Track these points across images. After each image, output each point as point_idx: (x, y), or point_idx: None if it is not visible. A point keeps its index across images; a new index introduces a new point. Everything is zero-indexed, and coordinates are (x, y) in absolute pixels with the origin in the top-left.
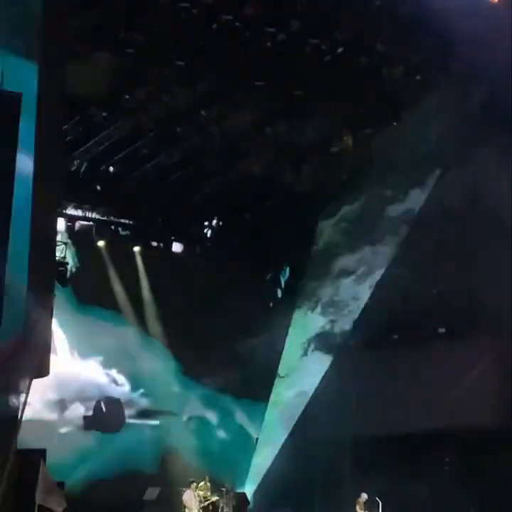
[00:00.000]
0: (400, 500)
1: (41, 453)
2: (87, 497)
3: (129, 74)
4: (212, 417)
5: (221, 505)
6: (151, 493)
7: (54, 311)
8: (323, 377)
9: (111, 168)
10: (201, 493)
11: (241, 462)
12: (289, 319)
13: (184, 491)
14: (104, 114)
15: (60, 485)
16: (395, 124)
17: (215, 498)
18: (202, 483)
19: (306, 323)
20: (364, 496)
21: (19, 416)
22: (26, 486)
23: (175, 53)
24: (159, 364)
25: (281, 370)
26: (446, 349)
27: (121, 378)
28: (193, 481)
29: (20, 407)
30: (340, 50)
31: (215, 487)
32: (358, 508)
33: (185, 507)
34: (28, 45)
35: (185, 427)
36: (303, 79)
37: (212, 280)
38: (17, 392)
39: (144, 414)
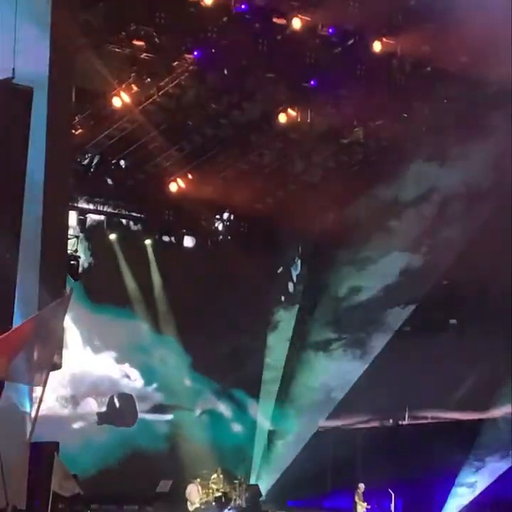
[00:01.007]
0: None
1: (54, 446)
2: (100, 490)
3: (139, 66)
4: (224, 410)
5: (234, 497)
6: (164, 485)
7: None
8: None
9: (122, 162)
10: (214, 485)
11: (254, 455)
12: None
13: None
14: (115, 106)
15: (74, 477)
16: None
17: (227, 490)
18: (214, 476)
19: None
20: (362, 487)
21: (35, 409)
22: (41, 476)
23: (185, 45)
24: (172, 359)
25: (294, 362)
26: None
27: (134, 373)
28: (204, 474)
29: (37, 401)
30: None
31: (228, 479)
32: (356, 498)
33: (188, 500)
34: (39, 40)
35: (198, 420)
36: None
37: (223, 274)
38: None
39: (157, 408)
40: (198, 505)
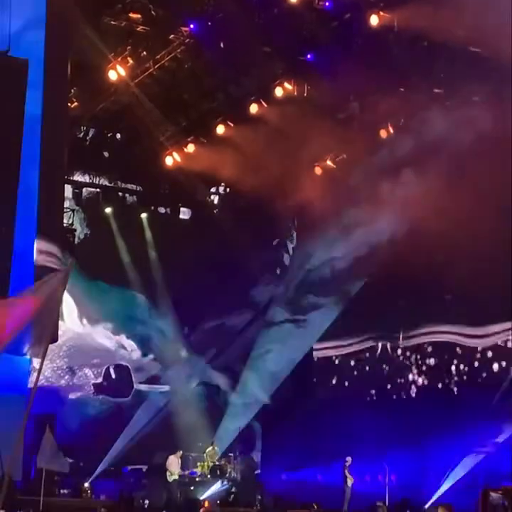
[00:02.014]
0: None
1: (51, 417)
2: (95, 461)
3: (135, 39)
4: (221, 382)
5: (228, 470)
6: (160, 457)
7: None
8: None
9: (118, 135)
10: (209, 458)
11: (249, 427)
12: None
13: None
14: (111, 80)
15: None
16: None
17: (222, 463)
18: (210, 448)
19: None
20: (349, 459)
21: (34, 380)
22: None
23: (181, 18)
24: (168, 330)
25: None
26: None
27: (130, 344)
28: (199, 446)
29: (36, 373)
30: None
31: (223, 452)
32: (346, 471)
33: (167, 471)
34: (35, 13)
35: (194, 392)
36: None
37: (219, 247)
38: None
39: (153, 379)
40: (176, 476)
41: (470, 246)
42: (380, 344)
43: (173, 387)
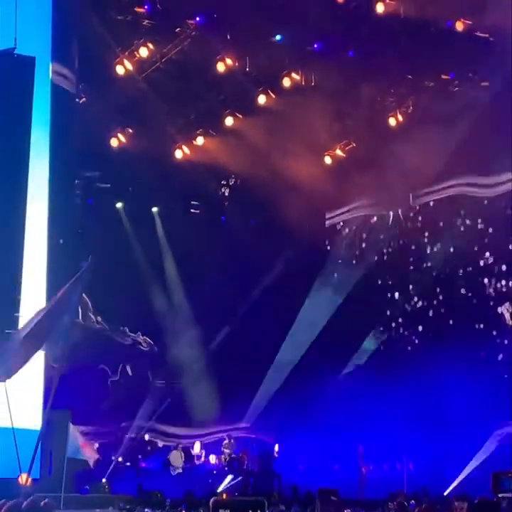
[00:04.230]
0: None
1: (67, 413)
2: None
3: (142, 33)
4: None
5: (246, 461)
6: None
7: None
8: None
9: (129, 130)
10: (226, 450)
11: None
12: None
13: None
14: (118, 74)
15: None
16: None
17: (239, 455)
18: (226, 441)
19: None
20: (361, 449)
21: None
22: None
23: (187, 11)
24: (182, 326)
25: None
26: None
27: (145, 341)
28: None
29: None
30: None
31: (240, 444)
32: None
33: (171, 465)
34: (42, 9)
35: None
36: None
37: (231, 240)
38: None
39: (169, 375)
40: (180, 470)
41: None
42: None
43: (188, 381)
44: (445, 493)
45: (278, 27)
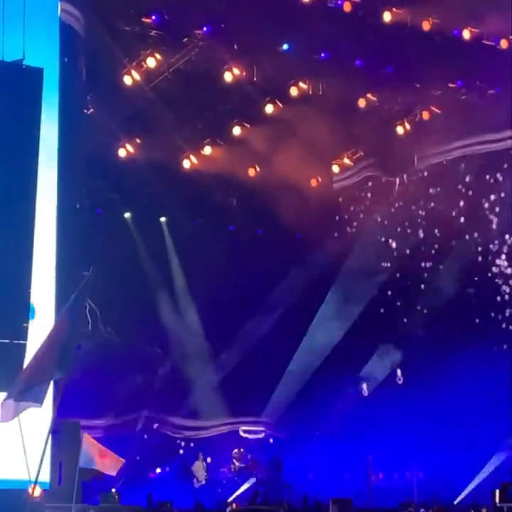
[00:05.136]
0: None
1: (77, 423)
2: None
3: (149, 44)
4: None
5: (256, 471)
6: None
7: None
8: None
9: (137, 140)
10: (235, 460)
11: None
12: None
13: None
14: (124, 85)
15: None
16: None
17: (249, 464)
18: (236, 450)
19: None
20: (370, 458)
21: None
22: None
23: (195, 21)
24: (190, 336)
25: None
26: None
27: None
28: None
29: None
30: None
31: (248, 454)
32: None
33: (195, 477)
34: (49, 20)
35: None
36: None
37: (240, 250)
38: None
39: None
40: (203, 482)
41: None
42: None
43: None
44: (455, 502)
45: (285, 36)
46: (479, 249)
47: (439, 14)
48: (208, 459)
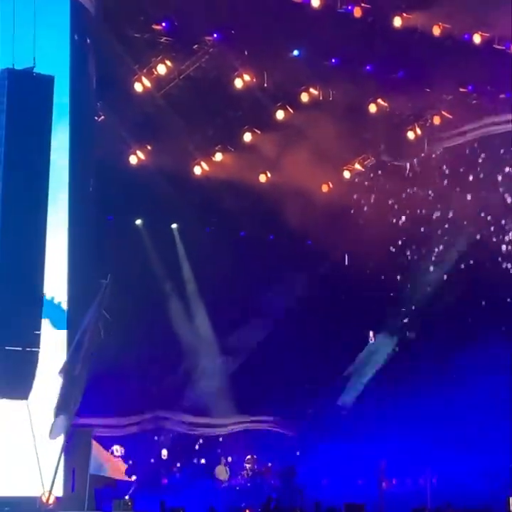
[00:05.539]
0: None
1: (89, 432)
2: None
3: (159, 51)
4: None
5: (269, 476)
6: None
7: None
8: None
9: (148, 147)
10: (248, 465)
11: None
12: None
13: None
14: (137, 92)
15: None
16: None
17: (262, 470)
18: (248, 457)
19: None
20: (383, 463)
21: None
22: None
23: (205, 28)
24: (203, 342)
25: None
26: None
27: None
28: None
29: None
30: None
31: (261, 461)
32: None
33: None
34: (59, 28)
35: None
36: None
37: (251, 256)
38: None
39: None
40: (226, 485)
41: None
42: None
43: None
44: (469, 509)
45: (295, 42)
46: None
47: (449, 19)
48: (229, 459)
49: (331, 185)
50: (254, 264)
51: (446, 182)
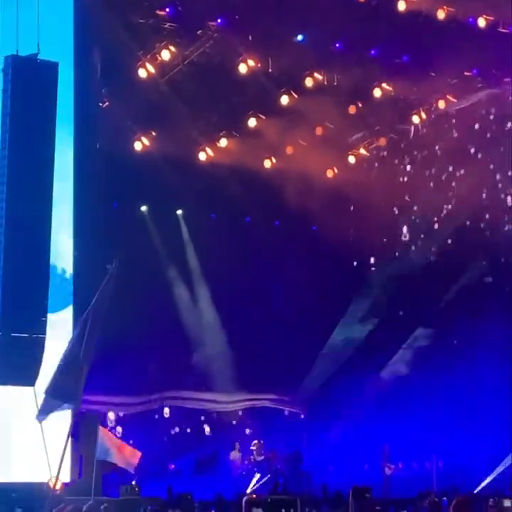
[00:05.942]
0: None
1: (96, 417)
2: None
3: (163, 37)
4: None
5: (275, 462)
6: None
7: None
8: None
9: (153, 133)
10: (255, 451)
11: None
12: None
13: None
14: (141, 78)
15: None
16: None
17: (269, 456)
18: (255, 442)
19: None
20: (386, 448)
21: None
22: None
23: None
24: (208, 329)
25: None
26: None
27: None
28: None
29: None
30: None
31: (267, 447)
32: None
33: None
34: (63, 14)
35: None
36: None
37: (256, 243)
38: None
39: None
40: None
41: None
42: None
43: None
44: (475, 492)
45: (299, 27)
46: None
47: (454, 2)
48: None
49: (336, 171)
50: (260, 250)
51: (451, 168)
